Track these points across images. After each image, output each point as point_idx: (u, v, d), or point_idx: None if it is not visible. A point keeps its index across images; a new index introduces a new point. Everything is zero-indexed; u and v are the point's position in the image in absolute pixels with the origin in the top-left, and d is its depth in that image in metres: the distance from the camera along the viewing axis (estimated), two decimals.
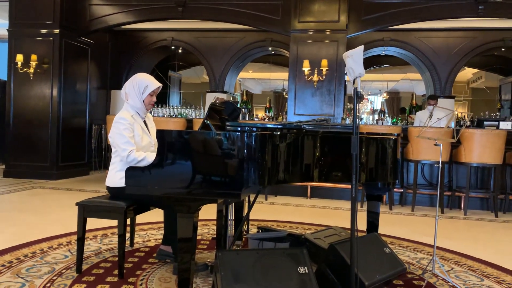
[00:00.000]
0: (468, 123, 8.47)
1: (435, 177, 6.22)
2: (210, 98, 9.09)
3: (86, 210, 2.81)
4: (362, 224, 3.62)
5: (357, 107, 6.36)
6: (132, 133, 2.88)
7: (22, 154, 7.44)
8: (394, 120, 8.91)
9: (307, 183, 5.05)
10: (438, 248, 3.77)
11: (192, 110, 9.69)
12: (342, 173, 2.56)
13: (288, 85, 6.73)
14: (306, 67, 6.35)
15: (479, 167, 6.03)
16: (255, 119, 8.91)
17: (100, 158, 8.94)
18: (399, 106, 11.20)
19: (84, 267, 2.92)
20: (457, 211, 5.81)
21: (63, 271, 2.84)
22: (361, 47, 2.14)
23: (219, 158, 2.19)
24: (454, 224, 5.00)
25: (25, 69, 7.28)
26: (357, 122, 2.14)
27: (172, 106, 10.07)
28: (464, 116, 8.90)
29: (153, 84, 2.99)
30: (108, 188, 2.98)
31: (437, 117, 7.12)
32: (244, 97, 9.75)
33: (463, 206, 5.76)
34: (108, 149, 9.03)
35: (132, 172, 2.29)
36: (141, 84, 2.97)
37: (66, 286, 2.58)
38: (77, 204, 2.83)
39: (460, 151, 5.66)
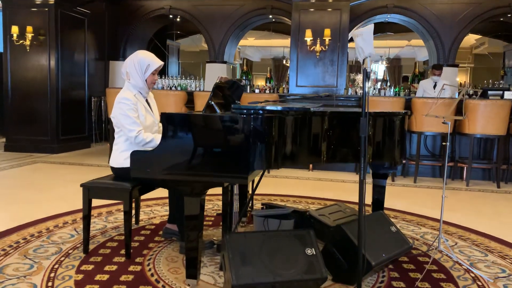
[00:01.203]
0: (471, 92, 8.39)
1: (437, 148, 6.20)
2: (210, 68, 8.97)
3: (91, 191, 2.79)
4: (367, 198, 3.64)
5: (360, 80, 6.25)
6: (137, 113, 2.83)
7: (22, 127, 7.40)
8: (397, 90, 8.81)
9: None
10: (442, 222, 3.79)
11: (192, 81, 9.58)
12: (350, 154, 2.53)
13: (290, 55, 6.61)
14: (308, 37, 6.22)
15: (482, 138, 6.00)
16: (256, 91, 8.82)
17: (101, 130, 8.90)
18: (401, 75, 11.05)
19: (91, 247, 2.93)
20: (459, 182, 5.82)
21: (70, 252, 2.85)
22: (371, 26, 2.07)
23: (224, 142, 2.15)
24: (457, 196, 5.01)
25: (21, 41, 7.14)
26: (366, 99, 2.09)
27: (172, 77, 9.94)
28: (467, 84, 8.79)
29: (155, 62, 2.92)
30: (113, 168, 2.95)
31: (441, 87, 7.08)
32: (244, 67, 9.62)
33: (465, 177, 5.77)
34: (108, 121, 8.98)
35: (137, 156, 2.26)
36: (142, 63, 2.89)
37: (74, 267, 2.59)
38: (81, 185, 2.82)
39: (464, 122, 5.62)
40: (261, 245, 2.22)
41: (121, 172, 2.87)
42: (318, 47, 6.28)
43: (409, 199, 4.74)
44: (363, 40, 2.06)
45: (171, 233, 3.12)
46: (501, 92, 6.83)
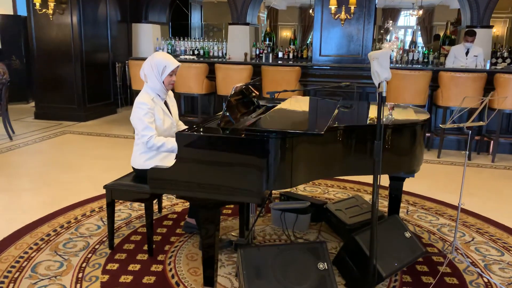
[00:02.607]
0: (505, 56, 8.00)
1: (464, 121, 6.02)
2: (233, 31, 8.79)
3: (114, 193, 2.90)
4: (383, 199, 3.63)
5: (386, 48, 6.02)
6: (153, 118, 2.87)
7: (50, 94, 7.57)
8: (426, 52, 8.48)
9: None
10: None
11: (215, 43, 9.44)
12: (366, 166, 2.51)
13: (314, 24, 6.41)
14: (333, 5, 5.98)
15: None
16: (279, 54, 8.64)
17: (126, 94, 9.01)
18: (433, 33, 10.55)
19: (116, 240, 3.10)
20: (484, 157, 5.71)
21: (96, 247, 3.02)
22: (389, 51, 1.99)
23: (237, 163, 2.18)
24: (480, 175, 4.95)
25: (44, 10, 7.15)
26: (380, 126, 2.06)
27: (194, 39, 9.82)
28: (501, 48, 8.36)
29: (172, 63, 2.91)
30: (134, 168, 3.04)
31: (473, 54, 6.81)
32: (268, 28, 9.38)
33: (492, 152, 5.65)
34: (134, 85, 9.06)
35: (153, 174, 2.32)
36: (159, 65, 2.89)
37: (100, 266, 2.76)
38: (104, 187, 2.93)
39: (493, 96, 5.42)
40: (274, 259, 2.30)
41: (142, 173, 2.95)
42: (343, 15, 6.05)
43: (431, 179, 4.71)
44: (379, 65, 2.00)
45: (191, 227, 3.24)
46: None
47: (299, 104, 3.25)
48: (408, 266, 2.81)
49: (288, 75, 5.82)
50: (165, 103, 3.04)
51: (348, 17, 6.02)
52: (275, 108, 2.88)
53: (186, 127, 3.22)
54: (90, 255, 2.92)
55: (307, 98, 3.07)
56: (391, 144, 2.53)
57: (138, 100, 2.87)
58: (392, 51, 6.25)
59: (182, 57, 7.86)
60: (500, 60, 7.99)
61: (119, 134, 6.61)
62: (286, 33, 15.33)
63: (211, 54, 9.34)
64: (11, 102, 8.62)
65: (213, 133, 2.23)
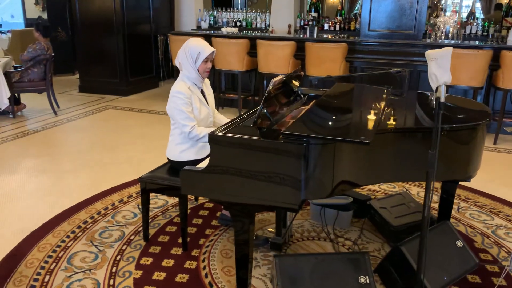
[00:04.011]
0: None
1: None
2: (277, 1, 8.43)
3: (148, 186, 2.82)
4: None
5: (441, 23, 5.50)
6: (191, 107, 2.74)
7: (93, 67, 7.62)
8: (486, 24, 7.81)
9: None
10: None
11: (257, 14, 9.13)
12: (417, 172, 2.28)
13: None
14: None
15: None
16: (325, 26, 8.24)
17: (168, 67, 8.95)
18: (493, 1, 9.67)
19: (151, 231, 3.05)
20: None
21: (131, 238, 2.99)
22: (450, 49, 1.73)
23: (273, 169, 2.00)
24: None
25: None
26: (438, 134, 1.81)
27: (237, 9, 9.53)
28: None
29: (206, 50, 2.74)
30: (169, 159, 2.95)
31: None
32: None
33: None
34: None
35: (186, 175, 2.19)
36: (193, 52, 2.73)
37: (134, 260, 2.72)
38: (139, 180, 2.85)
39: None
40: (312, 270, 2.16)
41: (177, 165, 2.86)
42: None
43: (485, 171, 4.34)
44: (438, 66, 1.74)
45: (227, 219, 3.14)
46: None
47: (343, 97, 3.00)
48: None
49: (333, 52, 5.50)
50: (202, 92, 2.90)
51: None
52: (317, 102, 2.66)
53: (223, 117, 3.11)
54: (125, 246, 2.88)
55: (352, 87, 2.81)
56: (445, 148, 2.27)
57: (174, 89, 2.74)
58: (449, 27, 5.74)
59: (223, 29, 7.63)
60: None
61: (160, 110, 6.58)
62: (333, 0, 14.62)
63: (253, 25, 9.07)
64: (58, 74, 8.82)
65: (247, 136, 2.06)
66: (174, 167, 2.91)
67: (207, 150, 2.85)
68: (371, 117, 2.25)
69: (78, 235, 3.02)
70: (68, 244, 2.90)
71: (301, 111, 2.72)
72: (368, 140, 1.86)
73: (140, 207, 3.42)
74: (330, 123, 2.29)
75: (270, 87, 2.30)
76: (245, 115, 2.52)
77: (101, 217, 3.28)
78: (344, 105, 2.73)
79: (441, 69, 1.74)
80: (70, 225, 3.15)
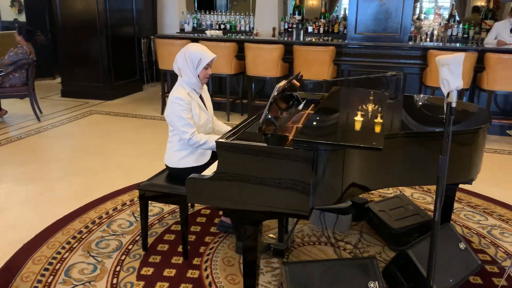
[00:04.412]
0: None
1: (509, 104, 5.67)
2: (261, 4, 8.42)
3: (146, 194, 2.76)
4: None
5: (426, 26, 5.57)
6: (190, 113, 2.70)
7: (76, 71, 7.44)
8: (466, 26, 7.97)
9: None
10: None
11: (241, 17, 9.10)
12: (425, 176, 2.29)
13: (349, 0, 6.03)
14: None
15: None
16: (309, 29, 8.27)
17: (152, 70, 8.85)
18: (468, 4, 9.86)
19: (149, 240, 2.99)
20: None
21: (130, 247, 2.92)
22: (462, 56, 1.74)
23: (282, 176, 1.99)
24: None
25: None
26: (448, 139, 1.83)
27: (220, 12, 9.48)
28: None
29: (207, 56, 2.71)
30: (167, 167, 2.89)
31: None
32: (297, 1, 8.96)
33: None
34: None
35: (192, 184, 2.15)
36: (194, 58, 2.69)
37: (135, 271, 2.66)
38: (138, 188, 2.79)
39: None
40: (321, 277, 2.14)
41: (176, 172, 2.82)
42: None
43: None
44: (450, 72, 1.75)
45: (226, 226, 3.11)
46: None
47: (344, 101, 3.01)
48: None
49: (321, 55, 5.52)
50: (200, 98, 2.86)
51: None
52: (320, 107, 2.65)
53: (222, 123, 3.08)
54: (123, 256, 2.82)
55: (350, 91, 2.82)
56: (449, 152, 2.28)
57: (174, 95, 2.69)
58: (432, 30, 5.83)
59: (208, 32, 7.58)
60: None
61: (146, 114, 6.49)
62: (312, 2, 14.65)
63: (238, 28, 9.03)
64: (37, 78, 8.58)
65: (256, 143, 2.03)
66: (173, 174, 2.86)
67: (206, 156, 2.81)
68: (377, 121, 2.26)
69: (74, 246, 2.93)
70: (64, 256, 2.81)
71: (302, 116, 2.72)
72: (380, 146, 1.86)
73: (136, 215, 3.37)
74: (338, 128, 2.28)
75: (275, 93, 2.28)
76: (247, 121, 2.49)
77: (96, 226, 3.20)
78: (347, 110, 2.73)
79: (453, 75, 1.75)
80: (65, 236, 3.06)
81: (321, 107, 2.64)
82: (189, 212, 3.39)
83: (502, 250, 2.98)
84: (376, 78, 3.35)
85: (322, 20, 8.59)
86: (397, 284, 2.39)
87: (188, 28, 8.70)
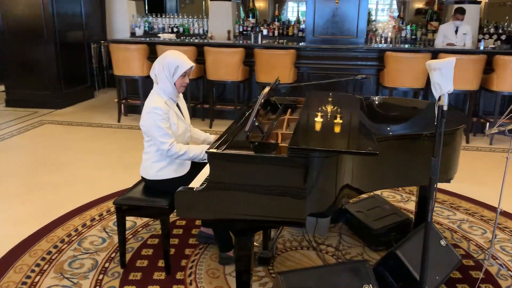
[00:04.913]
0: (492, 32, 7.92)
1: (460, 104, 5.97)
2: (215, 7, 8.34)
3: (124, 209, 2.63)
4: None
5: (380, 28, 5.74)
6: (168, 123, 2.59)
7: (22, 78, 6.99)
8: (414, 28, 8.32)
9: None
10: (487, 206, 3.72)
11: (195, 20, 8.98)
12: (413, 177, 2.34)
13: (307, 2, 6.10)
14: None
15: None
16: (264, 32, 8.29)
17: (102, 76, 8.51)
18: (407, 6, 10.16)
19: (126, 256, 2.84)
20: (480, 139, 5.67)
21: (106, 265, 2.77)
22: (453, 60, 1.78)
23: (277, 184, 1.95)
24: (483, 159, 4.89)
25: None
26: (439, 146, 1.87)
27: (171, 15, 9.30)
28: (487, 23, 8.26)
29: (185, 64, 2.62)
30: (144, 179, 2.77)
31: (463, 32, 6.70)
32: (250, 4, 8.97)
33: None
34: (110, 66, 8.56)
35: (182, 197, 2.06)
36: (171, 65, 2.59)
37: None
38: (114, 203, 2.64)
39: (492, 78, 5.33)
40: (316, 283, 2.12)
41: (155, 184, 2.70)
42: None
43: None
44: (441, 76, 1.79)
45: (206, 237, 3.03)
46: None
47: (327, 105, 3.02)
48: None
49: (283, 59, 5.54)
50: (177, 106, 2.76)
51: None
52: (303, 112, 2.63)
53: (198, 131, 2.99)
54: (101, 276, 2.66)
55: (329, 95, 2.81)
56: (429, 154, 2.35)
57: (150, 104, 2.57)
58: (387, 32, 6.04)
59: (161, 36, 7.40)
60: (487, 36, 7.92)
61: (102, 122, 6.22)
62: (259, 4, 14.69)
63: (191, 31, 8.90)
64: None
65: (249, 151, 1.98)
66: (150, 186, 2.74)
67: (186, 167, 2.72)
68: (363, 124, 2.28)
69: (44, 268, 2.73)
70: (35, 280, 2.61)
71: (283, 122, 2.70)
72: (376, 151, 1.87)
73: (107, 230, 3.21)
74: (327, 133, 2.27)
75: (261, 100, 2.24)
76: (231, 128, 2.43)
77: (66, 245, 3.01)
78: (329, 114, 2.74)
79: (445, 79, 1.79)
80: (32, 258, 2.84)
81: (303, 112, 2.63)
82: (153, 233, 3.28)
83: (474, 243, 3.11)
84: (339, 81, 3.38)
85: (276, 23, 8.65)
86: (386, 285, 2.42)
87: (139, 32, 8.47)
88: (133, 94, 6.59)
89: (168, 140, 2.56)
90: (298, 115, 2.89)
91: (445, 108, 1.83)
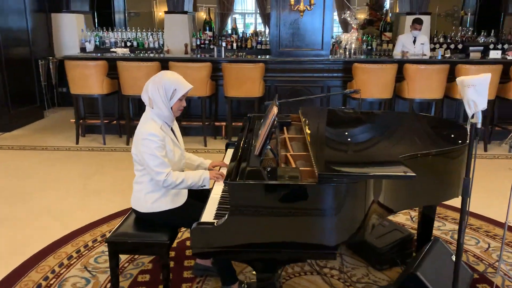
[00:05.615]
0: (441, 41, 8.28)
1: (424, 110, 6.13)
2: (170, 20, 8.09)
3: (119, 248, 2.36)
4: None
5: (345, 40, 5.77)
6: (164, 151, 2.36)
7: None
8: (369, 39, 8.52)
9: None
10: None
11: (149, 33, 8.66)
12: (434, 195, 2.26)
13: (271, 16, 6.03)
14: None
15: None
16: (223, 44, 8.15)
17: (52, 94, 7.98)
18: (359, 19, 10.42)
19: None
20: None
21: None
22: (488, 76, 1.72)
23: (306, 215, 1.81)
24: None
25: None
26: (471, 165, 1.80)
27: (121, 29, 8.92)
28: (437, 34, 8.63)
29: (183, 87, 2.41)
30: (137, 212, 2.50)
31: (420, 42, 6.92)
32: (206, 16, 8.80)
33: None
34: (60, 84, 8.05)
35: (201, 232, 1.85)
36: (168, 88, 2.37)
37: None
38: (106, 241, 2.36)
39: (455, 87, 5.50)
40: None
41: (150, 217, 2.45)
42: (302, 7, 5.74)
43: None
44: (476, 92, 1.72)
45: (203, 269, 2.80)
46: (481, 48, 6.74)
47: (331, 123, 2.92)
48: None
49: (253, 72, 5.42)
50: (171, 130, 2.53)
51: (308, 8, 5.72)
52: (313, 133, 2.50)
53: (192, 155, 2.77)
54: None
55: (324, 111, 2.72)
56: (438, 169, 2.30)
57: (145, 130, 2.33)
58: (351, 43, 6.09)
59: (118, 51, 7.04)
60: (437, 45, 8.26)
61: (58, 145, 5.76)
62: (203, 15, 14.45)
63: (146, 45, 8.57)
64: None
65: (279, 181, 1.82)
66: (144, 219, 2.49)
67: (183, 196, 2.50)
68: (382, 144, 2.18)
69: None
70: None
71: (284, 141, 2.56)
72: (413, 173, 1.77)
73: (89, 269, 2.90)
74: (352, 154, 2.15)
75: (274, 121, 2.08)
76: (240, 150, 2.25)
77: None
78: (343, 132, 2.63)
79: (480, 96, 1.72)
80: None
81: (310, 130, 2.50)
82: (151, 258, 3.01)
83: (471, 254, 3.11)
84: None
85: (234, 36, 8.54)
86: None
87: (90, 47, 8.03)
88: (91, 114, 6.18)
89: (164, 170, 2.32)
90: (296, 133, 2.77)
91: (479, 125, 1.77)
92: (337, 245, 1.83)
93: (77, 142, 5.83)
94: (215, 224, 1.83)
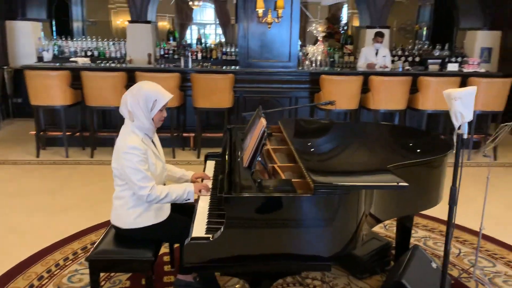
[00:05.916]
0: (400, 54, 8.60)
1: (387, 120, 6.31)
2: (133, 30, 7.94)
3: (100, 266, 2.26)
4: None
5: (312, 52, 5.88)
6: (147, 164, 2.29)
7: None
8: (331, 50, 8.72)
9: None
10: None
11: (110, 42, 8.46)
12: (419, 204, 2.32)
13: (238, 28, 6.05)
14: (260, 8, 5.69)
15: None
16: (188, 55, 8.09)
17: (6, 104, 7.62)
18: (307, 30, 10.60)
19: None
20: None
21: None
22: (474, 89, 1.80)
23: (304, 226, 1.81)
24: None
25: None
26: (458, 171, 1.87)
27: (81, 38, 8.66)
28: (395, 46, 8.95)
29: (164, 96, 2.35)
30: (119, 229, 2.40)
31: (382, 55, 7.16)
32: (170, 26, 8.71)
33: None
34: (15, 95, 7.70)
35: (196, 247, 1.81)
36: (148, 99, 2.31)
37: None
38: (87, 260, 2.26)
39: (417, 98, 5.72)
40: None
41: (132, 233, 2.37)
42: (269, 19, 5.80)
43: None
44: (463, 105, 1.79)
45: (185, 285, 2.72)
46: (439, 60, 7.06)
47: (312, 135, 2.93)
48: None
49: (222, 83, 5.40)
50: (152, 142, 2.46)
51: (276, 20, 5.79)
52: (291, 141, 2.51)
53: (173, 167, 2.72)
54: None
55: (305, 122, 2.74)
56: (421, 180, 2.37)
57: (126, 144, 2.25)
58: (317, 55, 6.22)
59: (79, 60, 6.81)
60: (396, 58, 8.56)
61: (17, 159, 5.49)
62: (163, 24, 14.33)
63: (107, 55, 8.36)
64: None
65: (277, 193, 1.81)
66: (125, 236, 2.40)
67: (166, 210, 2.44)
68: (367, 153, 2.22)
69: None
70: None
71: (269, 152, 2.55)
72: (405, 183, 1.81)
73: None
74: (343, 166, 2.17)
75: (265, 133, 2.07)
76: (226, 162, 2.22)
77: None
78: (326, 144, 2.65)
79: (466, 108, 1.79)
80: None
81: (295, 142, 2.50)
82: (128, 275, 2.91)
83: (453, 264, 3.20)
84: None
85: (199, 46, 8.49)
86: None
87: (48, 56, 7.73)
88: (52, 125, 5.93)
89: (147, 184, 2.26)
90: (278, 144, 2.77)
91: (465, 136, 1.83)
92: (331, 256, 1.84)
93: (37, 155, 5.57)
94: (210, 238, 1.79)
